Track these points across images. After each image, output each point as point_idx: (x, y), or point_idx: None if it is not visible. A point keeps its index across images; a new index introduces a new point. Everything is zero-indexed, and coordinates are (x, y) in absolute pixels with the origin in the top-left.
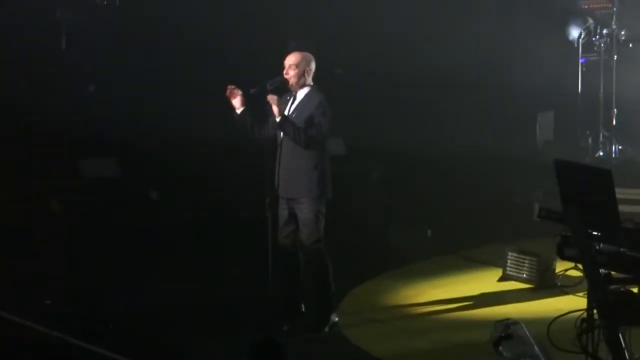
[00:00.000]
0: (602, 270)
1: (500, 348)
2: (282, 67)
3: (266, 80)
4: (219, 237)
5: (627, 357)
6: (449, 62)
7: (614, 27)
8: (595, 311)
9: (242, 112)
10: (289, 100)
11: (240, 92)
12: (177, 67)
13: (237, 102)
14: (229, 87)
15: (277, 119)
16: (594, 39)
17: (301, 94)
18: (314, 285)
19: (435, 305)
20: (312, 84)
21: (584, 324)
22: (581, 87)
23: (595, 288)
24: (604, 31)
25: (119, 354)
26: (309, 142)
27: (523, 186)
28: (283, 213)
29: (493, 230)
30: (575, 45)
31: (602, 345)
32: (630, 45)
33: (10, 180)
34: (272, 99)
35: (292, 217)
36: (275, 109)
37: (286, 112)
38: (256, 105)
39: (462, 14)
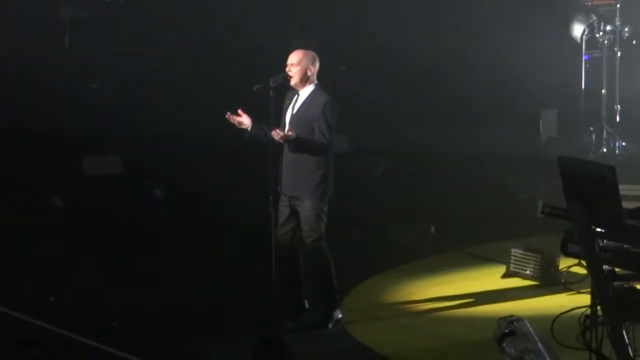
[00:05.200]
0: (605, 267)
1: (504, 345)
2: (286, 65)
3: (269, 77)
4: (221, 234)
5: (631, 354)
6: (452, 59)
7: (617, 23)
8: (599, 308)
9: (253, 127)
10: (293, 98)
11: (242, 115)
12: (180, 65)
13: (244, 122)
14: (229, 115)
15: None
16: (597, 35)
17: (305, 92)
18: (317, 282)
19: (438, 302)
20: (316, 82)
21: (588, 321)
22: (584, 84)
23: (599, 284)
24: (608, 28)
25: (123, 352)
26: (319, 149)
27: (527, 183)
28: (284, 211)
29: (497, 227)
30: (579, 41)
31: (605, 342)
32: (634, 41)
33: (13, 178)
34: (276, 134)
35: (293, 214)
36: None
37: (291, 111)
38: (260, 103)
39: (464, 11)
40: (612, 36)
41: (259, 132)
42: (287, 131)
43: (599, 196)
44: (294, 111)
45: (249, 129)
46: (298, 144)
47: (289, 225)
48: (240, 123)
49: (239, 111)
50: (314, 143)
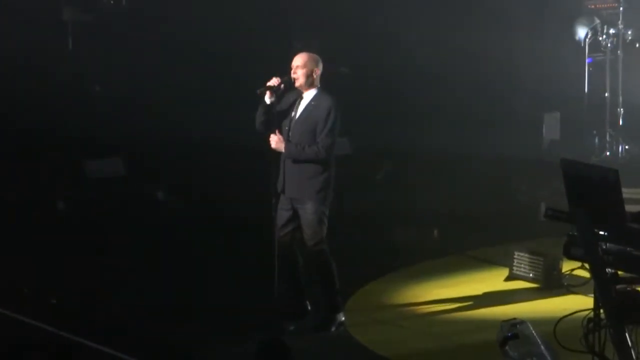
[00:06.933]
0: (608, 270)
1: (507, 348)
2: (289, 68)
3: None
4: (224, 236)
5: (634, 357)
6: (456, 62)
7: (620, 26)
8: (601, 311)
9: (268, 103)
10: (297, 100)
11: (277, 84)
12: (182, 67)
13: (273, 83)
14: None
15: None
16: (600, 38)
17: (308, 95)
18: (319, 285)
19: (441, 304)
20: (319, 85)
21: (591, 324)
22: (587, 87)
23: (602, 287)
24: (611, 31)
25: (124, 354)
26: (313, 161)
27: (530, 186)
28: (284, 213)
29: (500, 230)
30: (582, 45)
31: (608, 345)
32: (637, 45)
33: (16, 180)
34: (272, 138)
35: (294, 217)
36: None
37: (295, 113)
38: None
39: (467, 13)
40: (615, 39)
41: (267, 106)
42: (289, 136)
43: (601, 199)
44: (297, 115)
45: (265, 97)
46: (290, 155)
47: (288, 227)
48: (271, 86)
49: (278, 80)
50: (307, 156)
